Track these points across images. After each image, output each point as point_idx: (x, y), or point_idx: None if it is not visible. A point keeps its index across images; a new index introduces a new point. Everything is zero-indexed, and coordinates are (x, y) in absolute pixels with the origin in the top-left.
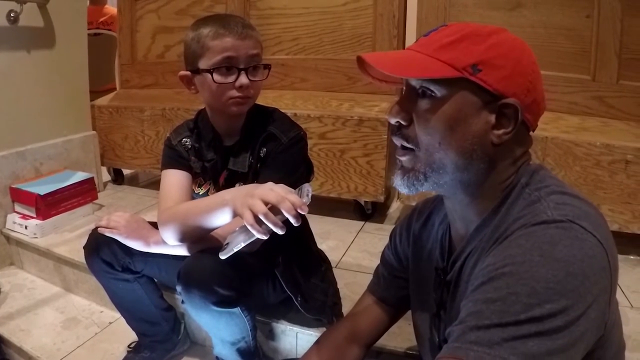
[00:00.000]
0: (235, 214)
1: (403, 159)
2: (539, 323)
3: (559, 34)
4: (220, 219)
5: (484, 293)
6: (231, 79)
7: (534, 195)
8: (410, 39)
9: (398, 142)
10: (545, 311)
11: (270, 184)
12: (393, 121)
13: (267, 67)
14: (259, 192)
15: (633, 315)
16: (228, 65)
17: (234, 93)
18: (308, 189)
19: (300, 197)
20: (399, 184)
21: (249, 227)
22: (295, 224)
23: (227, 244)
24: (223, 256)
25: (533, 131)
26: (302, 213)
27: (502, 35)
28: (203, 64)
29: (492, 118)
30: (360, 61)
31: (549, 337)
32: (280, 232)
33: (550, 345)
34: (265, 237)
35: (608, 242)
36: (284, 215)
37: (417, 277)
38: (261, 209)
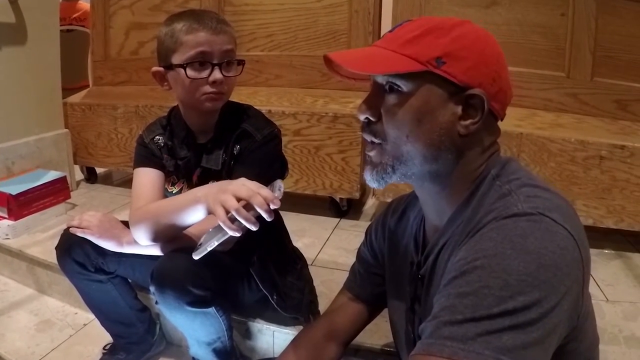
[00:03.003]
0: (209, 211)
1: (371, 153)
2: (513, 316)
3: (533, 31)
4: (193, 217)
5: (457, 287)
6: (205, 74)
7: (505, 188)
8: None
9: (368, 137)
10: (518, 304)
11: (242, 180)
12: (362, 117)
13: (241, 62)
14: (231, 188)
15: (608, 309)
16: (202, 60)
17: (208, 89)
18: (280, 184)
19: (272, 192)
20: (369, 178)
21: (221, 224)
22: (268, 219)
23: (201, 244)
24: (196, 256)
25: (501, 120)
26: (274, 207)
27: (465, 27)
28: (176, 59)
29: (459, 109)
30: (328, 60)
31: (523, 330)
32: (253, 228)
33: (525, 338)
34: (238, 234)
35: (579, 234)
36: (257, 211)
37: (393, 272)
38: (233, 204)
